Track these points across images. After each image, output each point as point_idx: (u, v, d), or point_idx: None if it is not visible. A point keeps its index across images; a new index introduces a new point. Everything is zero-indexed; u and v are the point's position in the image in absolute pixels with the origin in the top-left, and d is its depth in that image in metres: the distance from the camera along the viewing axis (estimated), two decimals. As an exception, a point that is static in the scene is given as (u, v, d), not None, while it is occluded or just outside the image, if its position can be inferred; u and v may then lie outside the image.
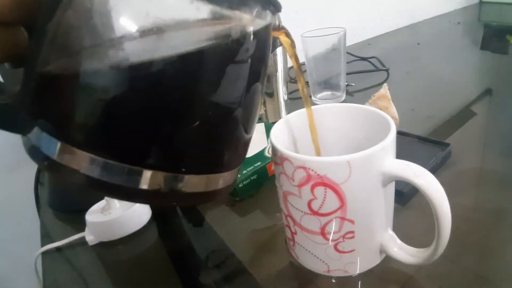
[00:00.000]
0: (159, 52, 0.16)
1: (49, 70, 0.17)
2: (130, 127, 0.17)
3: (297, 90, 0.72)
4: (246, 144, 0.22)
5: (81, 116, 0.16)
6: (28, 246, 0.47)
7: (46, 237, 0.43)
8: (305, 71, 0.71)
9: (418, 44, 0.96)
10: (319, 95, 0.64)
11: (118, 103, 0.16)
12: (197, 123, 0.18)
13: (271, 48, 0.22)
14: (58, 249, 0.40)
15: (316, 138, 0.31)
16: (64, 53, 0.17)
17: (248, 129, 0.22)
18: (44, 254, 0.40)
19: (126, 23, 0.16)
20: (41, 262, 0.40)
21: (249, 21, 0.19)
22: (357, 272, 0.29)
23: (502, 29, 1.06)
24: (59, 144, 0.17)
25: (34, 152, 0.17)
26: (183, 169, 0.18)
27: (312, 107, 0.33)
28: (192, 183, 0.18)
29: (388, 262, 0.30)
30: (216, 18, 0.18)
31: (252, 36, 0.19)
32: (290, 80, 0.76)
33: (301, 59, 0.72)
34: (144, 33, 0.16)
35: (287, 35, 0.26)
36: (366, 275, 0.29)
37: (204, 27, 0.17)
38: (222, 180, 0.20)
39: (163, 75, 0.16)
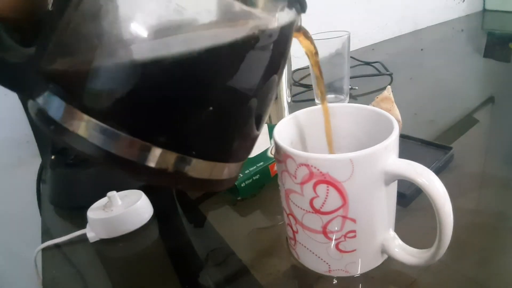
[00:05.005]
0: (184, 39, 0.16)
1: (70, 35, 0.16)
2: (148, 103, 0.17)
3: (300, 93, 0.72)
4: (254, 139, 0.23)
5: (99, 84, 0.16)
6: (29, 242, 0.47)
7: (46, 234, 0.43)
8: (309, 74, 0.71)
9: (422, 50, 0.97)
10: (322, 98, 0.64)
11: (139, 78, 0.16)
12: (213, 110, 0.18)
13: (291, 47, 0.23)
14: (58, 245, 0.40)
15: (329, 134, 0.32)
16: (89, 22, 0.16)
17: (258, 124, 0.22)
18: (44, 250, 0.40)
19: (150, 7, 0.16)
20: (41, 258, 0.40)
21: (274, 17, 0.19)
22: (358, 272, 0.29)
23: (505, 37, 1.06)
24: (69, 109, 0.16)
25: (41, 115, 0.17)
26: (193, 152, 0.18)
27: (314, 107, 0.33)
28: (198, 168, 0.18)
29: (390, 264, 0.30)
30: (242, 13, 0.18)
31: (274, 33, 0.19)
32: (294, 83, 0.77)
33: (305, 62, 0.72)
34: (165, 19, 0.16)
35: (306, 35, 0.26)
36: (368, 278, 0.29)
37: (228, 22, 0.18)
38: (226, 170, 0.21)
39: (185, 62, 0.16)
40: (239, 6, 0.18)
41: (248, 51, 0.18)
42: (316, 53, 0.28)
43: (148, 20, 0.16)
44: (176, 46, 0.16)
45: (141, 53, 0.16)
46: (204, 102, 0.18)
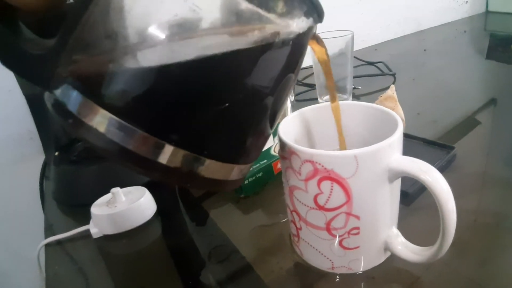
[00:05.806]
0: (202, 41, 0.17)
1: (91, 31, 0.16)
2: (167, 102, 0.17)
3: (303, 92, 0.72)
4: (263, 143, 0.23)
5: (118, 82, 0.16)
6: (32, 238, 0.47)
7: (49, 230, 0.44)
8: (312, 74, 0.71)
9: (425, 50, 0.97)
10: (325, 98, 0.65)
11: (157, 78, 0.16)
12: (229, 113, 0.18)
13: (305, 54, 0.23)
14: (61, 241, 0.40)
15: (341, 132, 0.32)
16: (109, 19, 0.17)
17: (269, 128, 0.22)
18: (47, 246, 0.40)
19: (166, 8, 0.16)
20: (43, 254, 0.40)
21: (292, 24, 0.19)
22: (361, 269, 0.29)
23: (507, 38, 1.06)
24: (88, 104, 0.16)
25: (58, 108, 0.17)
26: (206, 152, 0.18)
27: (318, 104, 0.33)
28: (210, 168, 0.19)
29: (393, 262, 0.30)
30: (260, 18, 0.18)
31: (290, 39, 0.19)
32: (297, 82, 0.77)
33: (309, 62, 0.72)
34: (183, 19, 0.16)
35: (319, 43, 0.26)
36: (370, 275, 0.29)
37: (244, 25, 0.18)
38: (235, 171, 0.21)
39: (205, 65, 0.17)
40: (257, 11, 0.18)
41: (264, 56, 0.18)
42: (329, 60, 0.28)
43: (167, 20, 0.16)
44: (195, 48, 0.17)
45: (160, 54, 0.16)
46: (221, 105, 0.18)
